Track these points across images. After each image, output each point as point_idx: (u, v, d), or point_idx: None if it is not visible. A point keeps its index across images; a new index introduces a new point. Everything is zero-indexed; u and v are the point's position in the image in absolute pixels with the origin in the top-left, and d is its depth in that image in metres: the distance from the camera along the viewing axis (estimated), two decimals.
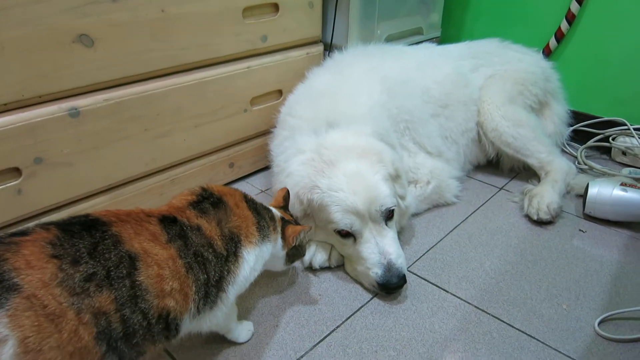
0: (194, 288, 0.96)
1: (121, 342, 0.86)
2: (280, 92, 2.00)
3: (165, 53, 1.58)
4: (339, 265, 1.53)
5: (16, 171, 1.36)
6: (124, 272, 0.86)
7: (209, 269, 0.99)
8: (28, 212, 1.43)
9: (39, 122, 1.35)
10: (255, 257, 1.10)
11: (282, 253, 1.22)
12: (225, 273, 1.03)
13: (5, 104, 1.30)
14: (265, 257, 1.15)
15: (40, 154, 1.39)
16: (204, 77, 1.71)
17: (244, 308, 1.36)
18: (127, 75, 1.52)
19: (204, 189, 1.10)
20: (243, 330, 1.24)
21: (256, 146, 2.01)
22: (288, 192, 1.37)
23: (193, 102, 1.71)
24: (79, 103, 1.43)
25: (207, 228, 1.02)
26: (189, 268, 0.96)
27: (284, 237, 1.21)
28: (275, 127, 1.77)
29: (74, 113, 1.41)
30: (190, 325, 1.01)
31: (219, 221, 1.04)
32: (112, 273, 0.84)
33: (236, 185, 2.02)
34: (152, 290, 0.89)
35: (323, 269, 1.51)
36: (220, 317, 1.07)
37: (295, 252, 1.25)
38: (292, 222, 1.27)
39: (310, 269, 1.50)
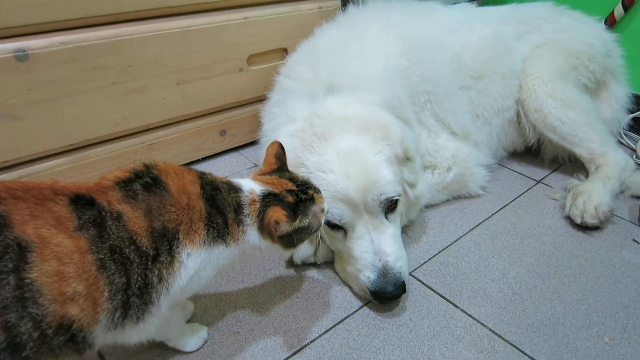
0: (106, 294, 0.73)
1: (5, 354, 0.66)
2: (285, 52, 1.72)
3: None
4: (328, 262, 1.26)
5: None
6: (10, 265, 0.66)
7: (130, 271, 0.75)
8: None
9: None
10: (199, 262, 0.83)
11: (263, 243, 0.90)
12: (155, 280, 0.78)
13: None
14: (218, 263, 0.87)
15: None
16: (190, 25, 1.45)
17: (202, 306, 1.12)
18: (90, 14, 1.27)
19: (146, 165, 0.84)
20: (191, 338, 1.00)
21: (254, 112, 1.74)
22: (281, 145, 1.02)
23: (176, 54, 1.46)
24: (29, 44, 1.20)
25: (130, 218, 0.77)
26: (102, 267, 0.73)
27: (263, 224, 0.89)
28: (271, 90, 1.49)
29: (22, 56, 1.18)
30: (108, 338, 0.78)
31: (149, 210, 0.79)
32: None
33: (228, 157, 1.77)
34: (48, 292, 0.68)
35: (307, 264, 1.25)
36: (151, 330, 0.83)
37: (288, 242, 0.91)
38: (283, 196, 0.90)
39: (291, 263, 1.24)
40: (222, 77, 1.60)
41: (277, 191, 0.90)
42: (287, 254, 0.95)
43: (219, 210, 0.86)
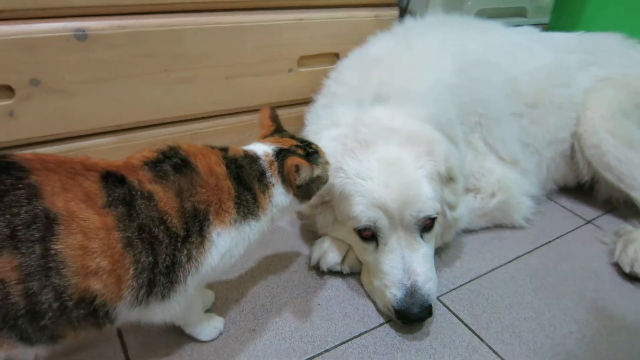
0: (131, 271, 0.73)
1: (24, 321, 0.67)
2: (336, 56, 1.70)
3: None
4: (355, 273, 1.22)
5: (9, 90, 1.19)
6: (37, 235, 0.66)
7: (158, 250, 0.75)
8: (20, 139, 1.27)
9: (40, 38, 1.17)
10: (230, 241, 0.84)
11: (289, 199, 0.93)
12: (184, 259, 0.79)
13: (1, 11, 1.12)
14: (250, 239, 0.88)
15: (38, 75, 1.21)
16: (243, 21, 1.45)
17: (222, 298, 1.11)
18: (149, 2, 1.30)
19: (170, 147, 0.85)
20: (207, 328, 0.99)
21: (299, 114, 1.72)
22: (272, 109, 1.06)
23: (226, 49, 1.46)
24: (88, 25, 1.23)
25: (162, 198, 0.77)
26: (128, 245, 0.73)
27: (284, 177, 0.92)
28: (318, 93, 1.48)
29: (81, 35, 1.22)
30: (132, 315, 0.79)
31: (180, 191, 0.79)
32: (19, 233, 0.66)
33: None
34: (71, 264, 0.68)
35: (333, 273, 1.22)
36: (177, 309, 0.83)
37: (305, 193, 0.95)
38: (294, 150, 0.94)
39: (317, 269, 1.21)
40: (271, 76, 1.60)
41: (286, 147, 0.94)
42: (302, 207, 1.06)
43: (247, 186, 0.86)
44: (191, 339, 0.99)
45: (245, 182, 0.87)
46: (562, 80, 1.57)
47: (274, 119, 1.04)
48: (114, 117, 1.38)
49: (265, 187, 0.89)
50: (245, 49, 1.49)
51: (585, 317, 1.16)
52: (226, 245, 0.83)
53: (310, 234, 1.34)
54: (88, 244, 0.69)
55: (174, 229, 0.76)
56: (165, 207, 0.76)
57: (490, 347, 1.05)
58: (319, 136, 1.22)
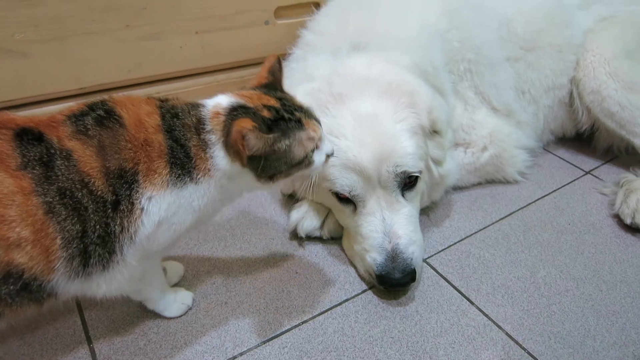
0: (59, 241, 0.66)
1: None
2: (316, 6, 1.57)
3: None
4: (335, 239, 1.15)
5: None
6: None
7: (85, 217, 0.67)
8: None
9: None
10: (165, 207, 0.71)
11: (234, 169, 0.74)
12: (117, 228, 0.69)
13: None
14: (193, 206, 0.74)
15: None
16: None
17: (193, 270, 1.05)
18: None
19: (102, 99, 0.73)
20: (173, 303, 0.93)
21: None
22: (279, 59, 0.86)
23: (195, 1, 1.34)
24: None
25: (80, 157, 0.67)
26: (50, 211, 0.65)
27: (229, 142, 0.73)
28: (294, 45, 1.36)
29: None
30: (73, 288, 0.71)
31: (101, 148, 0.68)
32: None
33: None
34: None
35: (313, 239, 1.15)
36: (121, 281, 0.75)
37: (263, 169, 0.74)
38: (258, 109, 0.74)
39: (296, 235, 1.14)
40: (246, 29, 1.48)
41: (250, 105, 0.75)
42: (265, 188, 0.80)
43: (179, 141, 0.72)
44: (156, 316, 0.93)
45: (177, 135, 0.72)
46: (561, 20, 1.45)
47: (274, 71, 0.84)
48: (75, 79, 1.29)
49: (204, 143, 0.73)
50: None
51: (583, 274, 1.10)
52: (160, 212, 0.71)
53: (290, 200, 1.26)
54: (4, 211, 0.62)
55: (99, 192, 0.67)
56: (85, 168, 0.67)
57: (480, 310, 0.99)
58: (292, 93, 1.12)
